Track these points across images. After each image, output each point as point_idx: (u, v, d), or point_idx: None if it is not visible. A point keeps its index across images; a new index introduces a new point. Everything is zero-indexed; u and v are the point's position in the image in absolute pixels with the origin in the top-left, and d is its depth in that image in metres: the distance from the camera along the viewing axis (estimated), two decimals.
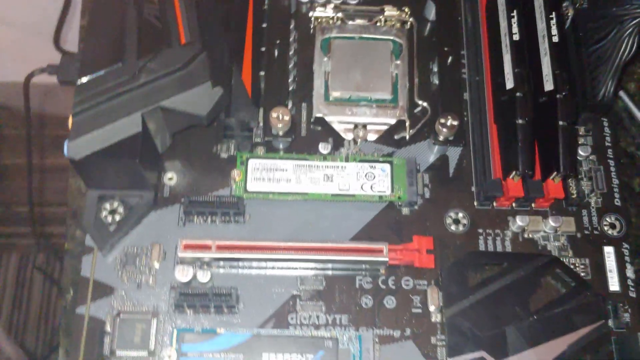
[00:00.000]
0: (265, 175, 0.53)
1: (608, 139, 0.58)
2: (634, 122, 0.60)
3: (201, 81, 0.50)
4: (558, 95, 0.51)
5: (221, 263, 0.51)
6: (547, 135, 0.51)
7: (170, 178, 0.55)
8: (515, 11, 0.54)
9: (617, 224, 0.55)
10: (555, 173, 0.51)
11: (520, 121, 0.50)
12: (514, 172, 0.51)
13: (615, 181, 0.56)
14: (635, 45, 0.52)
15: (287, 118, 0.53)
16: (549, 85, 0.52)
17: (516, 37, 0.53)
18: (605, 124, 0.59)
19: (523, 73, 0.51)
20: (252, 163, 0.54)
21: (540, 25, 0.54)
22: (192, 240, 0.50)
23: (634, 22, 0.51)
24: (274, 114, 0.53)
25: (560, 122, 0.50)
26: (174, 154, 0.56)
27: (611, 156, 0.57)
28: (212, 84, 0.50)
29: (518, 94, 0.50)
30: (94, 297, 0.50)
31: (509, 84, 0.52)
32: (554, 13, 0.53)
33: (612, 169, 0.57)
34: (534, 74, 0.53)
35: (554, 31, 0.53)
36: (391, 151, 0.57)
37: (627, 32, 0.51)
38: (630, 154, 0.60)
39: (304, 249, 0.51)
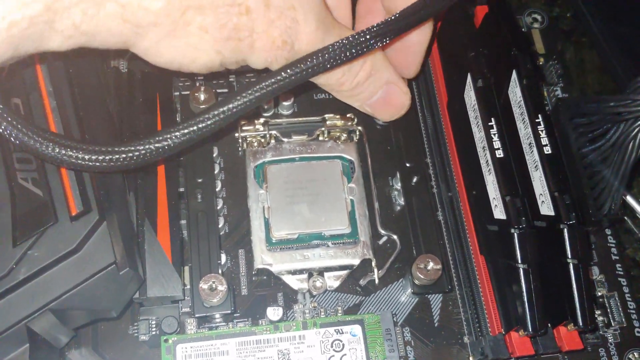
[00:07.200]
0: None
1: (614, 250, 0.48)
2: (638, 221, 0.51)
3: (103, 265, 0.37)
4: (562, 226, 0.40)
5: None
6: (552, 272, 0.41)
7: None
8: (493, 120, 0.43)
9: None
10: (570, 322, 0.40)
11: (522, 266, 0.39)
12: (519, 329, 0.40)
13: (631, 304, 0.46)
14: None
15: (222, 288, 0.41)
16: (546, 209, 0.41)
17: (500, 154, 0.42)
18: (608, 231, 0.49)
19: (517, 203, 0.40)
20: (182, 349, 0.41)
21: (525, 131, 0.43)
22: None
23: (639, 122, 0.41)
24: (204, 286, 0.41)
25: (571, 261, 0.39)
26: (78, 341, 0.42)
27: (621, 272, 0.47)
28: (119, 266, 0.37)
29: (514, 230, 0.39)
30: None
31: (498, 213, 0.41)
32: (540, 116, 0.43)
33: (625, 289, 0.47)
34: (524, 190, 0.42)
35: (544, 140, 0.42)
36: (358, 301, 0.45)
37: (632, 134, 0.41)
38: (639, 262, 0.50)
39: None
